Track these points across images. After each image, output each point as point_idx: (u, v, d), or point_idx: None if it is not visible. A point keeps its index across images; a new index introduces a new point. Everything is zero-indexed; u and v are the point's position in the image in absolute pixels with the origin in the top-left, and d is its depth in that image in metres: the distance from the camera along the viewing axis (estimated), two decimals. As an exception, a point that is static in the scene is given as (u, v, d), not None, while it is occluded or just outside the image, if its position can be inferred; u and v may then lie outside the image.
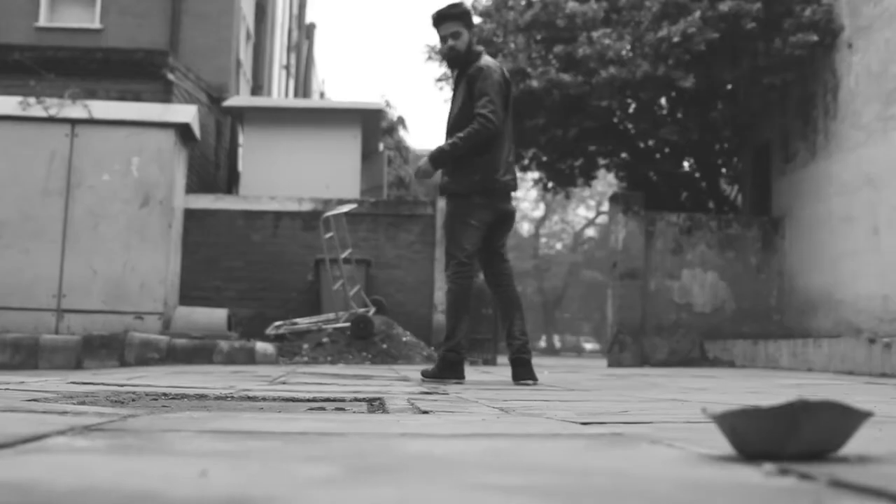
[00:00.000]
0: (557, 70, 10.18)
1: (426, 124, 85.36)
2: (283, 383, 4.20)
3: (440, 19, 4.91)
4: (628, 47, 9.99)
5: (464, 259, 4.79)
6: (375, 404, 2.89)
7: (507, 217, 4.99)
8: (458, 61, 4.93)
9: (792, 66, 9.66)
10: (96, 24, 14.50)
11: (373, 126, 13.20)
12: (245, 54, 16.75)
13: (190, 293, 10.04)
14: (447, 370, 4.71)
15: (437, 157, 4.80)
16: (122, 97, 11.03)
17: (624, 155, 12.37)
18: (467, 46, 4.90)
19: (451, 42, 4.88)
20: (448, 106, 5.65)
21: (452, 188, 4.85)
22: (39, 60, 11.48)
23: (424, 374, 4.85)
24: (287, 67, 22.08)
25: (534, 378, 4.70)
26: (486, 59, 4.91)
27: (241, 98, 14.37)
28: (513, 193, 5.00)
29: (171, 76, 11.70)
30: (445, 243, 4.93)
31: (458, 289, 4.79)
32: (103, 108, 8.44)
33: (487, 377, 5.78)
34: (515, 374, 4.74)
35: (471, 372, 6.16)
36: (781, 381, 5.58)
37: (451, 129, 4.89)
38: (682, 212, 11.06)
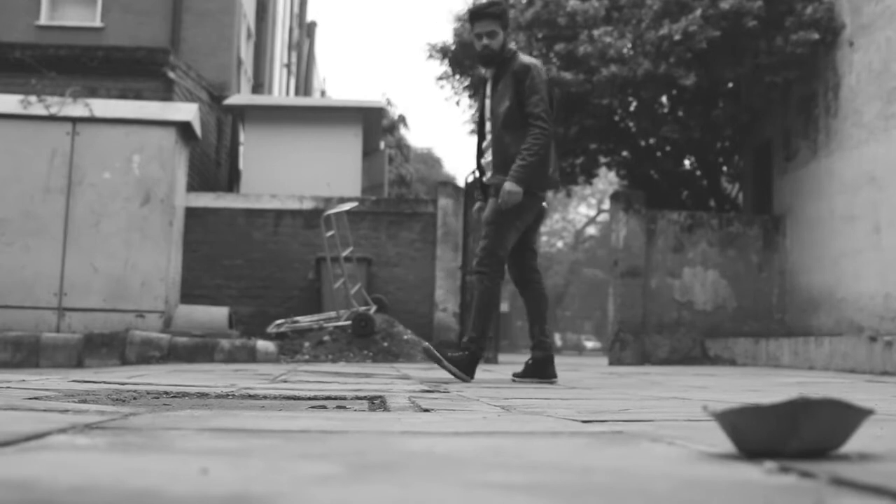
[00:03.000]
0: (558, 68, 10.18)
1: (427, 122, 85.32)
2: (285, 381, 4.20)
3: (477, 16, 4.86)
4: (629, 45, 9.98)
5: (504, 257, 4.80)
6: (376, 402, 2.89)
7: (542, 214, 5.04)
8: (492, 60, 4.88)
9: (793, 65, 9.65)
10: (97, 23, 14.50)
11: (374, 124, 13.21)
12: (246, 52, 16.74)
13: (191, 291, 10.05)
14: (469, 366, 4.65)
15: (521, 177, 4.63)
16: (123, 95, 11.03)
17: (625, 153, 12.38)
18: (501, 46, 4.86)
19: (485, 41, 4.82)
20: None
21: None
22: (40, 59, 11.48)
23: (446, 357, 4.63)
24: (288, 66, 22.08)
25: (555, 375, 4.79)
26: (528, 58, 4.90)
27: (242, 96, 14.37)
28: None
29: (172, 74, 11.70)
30: (487, 240, 4.76)
31: (493, 287, 4.77)
32: (104, 107, 8.44)
33: (489, 375, 5.78)
34: (545, 371, 4.78)
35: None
36: (783, 379, 5.58)
37: (504, 126, 4.79)
38: (684, 210, 11.06)
